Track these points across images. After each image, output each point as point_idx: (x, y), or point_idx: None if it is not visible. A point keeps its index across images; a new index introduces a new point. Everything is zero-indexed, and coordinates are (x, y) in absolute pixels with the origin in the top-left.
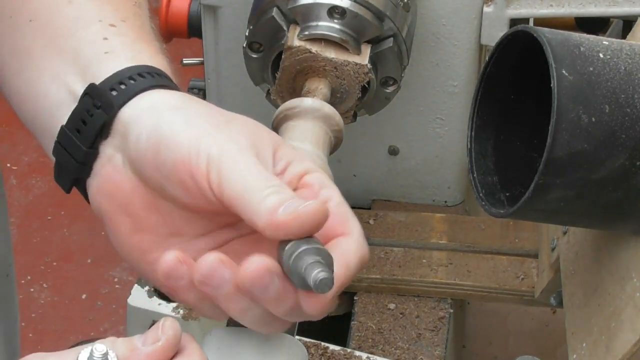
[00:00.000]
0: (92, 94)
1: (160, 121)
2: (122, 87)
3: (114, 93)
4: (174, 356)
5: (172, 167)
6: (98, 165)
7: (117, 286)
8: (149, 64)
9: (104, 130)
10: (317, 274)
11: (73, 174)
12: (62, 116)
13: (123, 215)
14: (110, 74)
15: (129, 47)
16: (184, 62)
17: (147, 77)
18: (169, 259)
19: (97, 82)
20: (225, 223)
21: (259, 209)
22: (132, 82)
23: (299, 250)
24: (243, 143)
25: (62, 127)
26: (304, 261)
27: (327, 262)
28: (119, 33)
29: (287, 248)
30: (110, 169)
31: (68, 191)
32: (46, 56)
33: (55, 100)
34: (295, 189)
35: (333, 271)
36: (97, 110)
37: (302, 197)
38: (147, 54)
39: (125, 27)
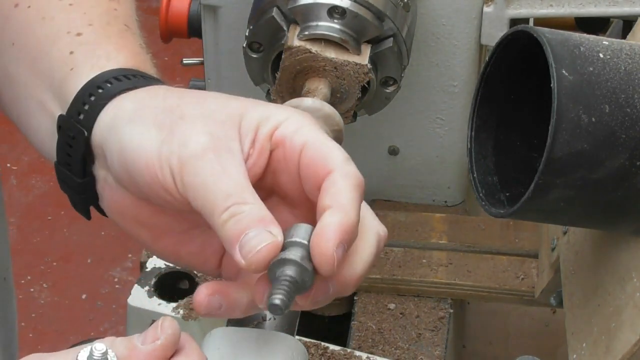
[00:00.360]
0: (64, 126)
1: (121, 140)
2: (86, 107)
3: (81, 117)
4: (172, 355)
5: (147, 186)
6: (99, 188)
7: (117, 286)
8: (109, 67)
9: (87, 157)
10: (275, 296)
11: (83, 203)
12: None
13: (139, 228)
14: (75, 93)
15: (89, 57)
16: (184, 62)
17: (105, 88)
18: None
19: (67, 107)
20: None
21: (221, 234)
22: (92, 98)
23: (281, 257)
24: (199, 144)
25: (55, 164)
26: (280, 271)
27: (299, 282)
28: (83, 42)
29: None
30: (108, 189)
31: (89, 218)
32: (30, 82)
33: (47, 131)
34: (271, 151)
35: (305, 288)
36: (73, 140)
37: (280, 157)
38: (105, 58)
39: (90, 32)
